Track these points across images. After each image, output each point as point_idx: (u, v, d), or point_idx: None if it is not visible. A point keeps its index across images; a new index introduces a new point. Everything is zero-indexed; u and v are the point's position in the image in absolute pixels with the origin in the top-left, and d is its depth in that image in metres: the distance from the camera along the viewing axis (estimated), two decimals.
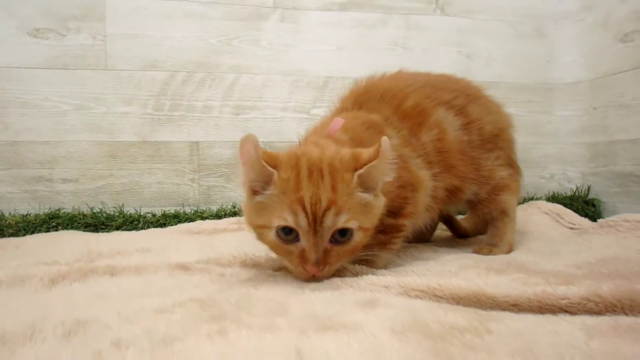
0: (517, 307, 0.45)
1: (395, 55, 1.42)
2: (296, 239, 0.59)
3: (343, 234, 0.60)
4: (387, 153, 0.60)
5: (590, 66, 1.42)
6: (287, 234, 0.60)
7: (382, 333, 0.38)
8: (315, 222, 0.58)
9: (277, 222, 0.59)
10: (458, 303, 0.48)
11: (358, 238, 0.61)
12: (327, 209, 0.58)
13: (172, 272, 0.69)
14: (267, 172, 0.60)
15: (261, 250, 0.85)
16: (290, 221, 0.58)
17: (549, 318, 0.44)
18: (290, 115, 1.36)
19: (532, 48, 1.48)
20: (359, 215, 0.60)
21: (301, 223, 0.58)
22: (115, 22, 1.26)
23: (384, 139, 0.60)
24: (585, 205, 1.36)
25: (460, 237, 1.08)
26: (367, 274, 0.62)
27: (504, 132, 0.94)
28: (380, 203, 0.64)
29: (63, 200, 1.25)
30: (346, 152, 0.64)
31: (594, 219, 1.32)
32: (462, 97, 0.89)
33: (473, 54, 1.46)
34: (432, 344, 0.36)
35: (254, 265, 0.72)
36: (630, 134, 1.29)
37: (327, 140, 0.69)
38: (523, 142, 1.46)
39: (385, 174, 0.63)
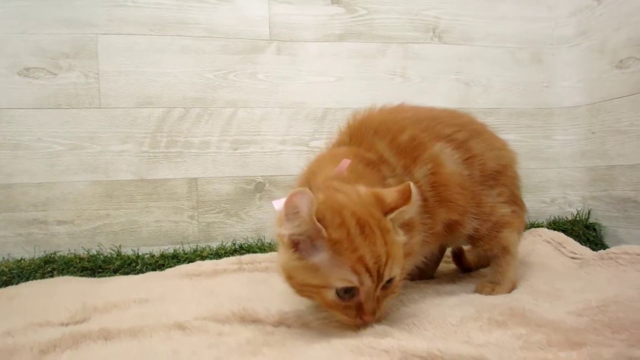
0: None
1: (394, 84, 1.41)
2: (355, 295, 0.61)
3: (390, 280, 0.63)
4: (415, 197, 0.64)
5: (588, 91, 1.42)
6: (348, 292, 0.61)
7: None
8: (379, 278, 0.61)
9: (340, 284, 0.60)
10: None
11: (398, 279, 0.65)
12: (386, 264, 0.61)
13: (169, 333, 0.67)
14: (316, 228, 0.60)
15: (260, 300, 0.84)
16: (355, 281, 0.60)
17: None
18: (289, 148, 1.34)
19: (530, 74, 1.49)
20: (400, 259, 0.64)
21: (365, 282, 0.60)
22: (108, 59, 1.23)
23: (412, 184, 0.64)
24: (586, 230, 1.36)
25: (464, 272, 1.07)
26: (367, 333, 0.61)
27: (507, 168, 0.92)
28: (401, 240, 0.66)
29: (59, 242, 1.22)
30: (366, 193, 0.66)
31: (595, 243, 1.32)
32: (464, 132, 0.88)
33: (472, 81, 1.45)
34: None
35: (253, 321, 0.70)
36: (629, 159, 1.29)
37: (343, 184, 0.69)
38: (524, 167, 1.46)
39: (414, 212, 0.67)
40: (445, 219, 0.81)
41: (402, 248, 0.65)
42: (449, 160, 0.83)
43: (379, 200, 0.65)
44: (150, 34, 1.26)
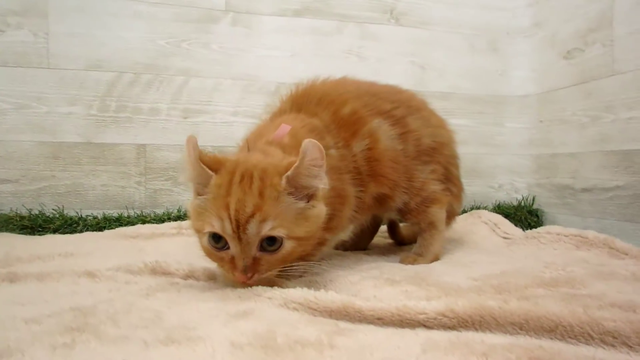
0: (381, 320, 0.46)
1: (349, 63, 1.43)
2: (226, 246, 0.59)
3: (272, 242, 0.59)
4: (308, 154, 0.59)
5: (538, 81, 1.45)
6: (217, 241, 0.60)
7: (220, 347, 0.38)
8: (239, 229, 0.57)
9: (208, 228, 0.60)
10: (330, 316, 0.48)
11: (289, 247, 0.60)
12: (251, 215, 0.57)
13: (77, 279, 0.68)
14: (206, 174, 0.61)
15: (185, 259, 0.85)
16: (217, 227, 0.58)
17: (404, 332, 0.44)
18: (240, 120, 1.35)
19: (485, 61, 1.51)
20: (290, 224, 0.59)
21: (226, 230, 0.58)
22: (58, 19, 1.24)
23: (306, 141, 0.59)
24: (528, 215, 1.39)
25: (398, 244, 1.09)
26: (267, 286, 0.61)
27: (443, 146, 0.94)
28: (319, 212, 0.63)
29: (2, 201, 1.22)
30: (286, 158, 0.64)
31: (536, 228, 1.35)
32: (402, 108, 0.89)
33: (427, 65, 1.47)
34: (265, 358, 0.36)
35: (164, 273, 0.71)
36: (570, 147, 1.32)
37: (274, 147, 0.69)
38: (474, 152, 1.49)
39: (316, 177, 0.61)
40: (375, 192, 0.83)
41: (302, 215, 0.61)
42: (385, 136, 0.85)
43: (289, 165, 0.62)
44: None
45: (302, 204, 0.62)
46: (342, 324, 0.46)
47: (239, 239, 0.58)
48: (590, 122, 1.25)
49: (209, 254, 0.63)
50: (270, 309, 0.51)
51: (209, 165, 0.61)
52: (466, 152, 1.02)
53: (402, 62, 1.46)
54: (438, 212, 0.91)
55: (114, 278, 0.69)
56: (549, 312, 0.44)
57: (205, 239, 0.61)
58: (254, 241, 0.58)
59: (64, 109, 1.25)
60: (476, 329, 0.44)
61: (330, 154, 0.76)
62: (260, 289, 0.58)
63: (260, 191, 0.59)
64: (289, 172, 0.60)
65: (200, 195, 0.63)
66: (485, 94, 1.51)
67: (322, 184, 0.63)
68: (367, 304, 0.48)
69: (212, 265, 0.81)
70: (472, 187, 1.46)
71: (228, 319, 0.47)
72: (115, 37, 1.27)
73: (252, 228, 0.57)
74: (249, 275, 0.59)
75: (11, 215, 1.17)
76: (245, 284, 0.60)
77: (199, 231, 0.62)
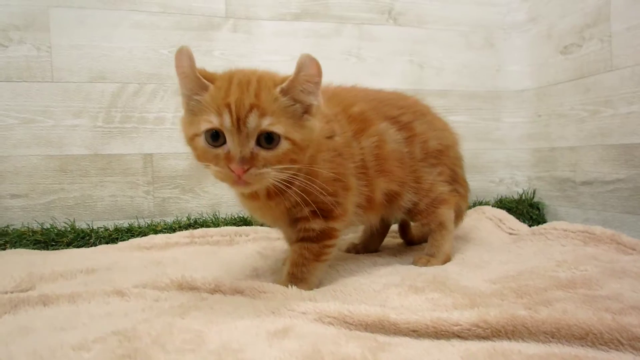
0: (416, 332, 0.49)
1: (349, 64, 1.44)
2: (224, 143, 0.62)
3: (269, 140, 0.62)
4: (304, 68, 0.62)
5: (535, 75, 1.48)
6: (215, 138, 0.62)
7: None
8: (239, 122, 0.60)
9: (205, 126, 0.62)
10: (365, 329, 0.51)
11: (285, 147, 0.63)
12: (250, 110, 0.60)
13: (107, 299, 0.69)
14: (203, 84, 0.63)
15: (204, 270, 0.87)
16: (215, 122, 0.61)
17: (440, 344, 0.47)
18: None
19: (482, 57, 1.53)
20: (287, 125, 0.62)
21: (226, 123, 0.60)
22: (60, 33, 1.23)
23: (303, 55, 0.62)
24: (530, 209, 1.43)
25: (408, 244, 1.13)
26: (292, 297, 0.64)
27: (449, 149, 0.98)
28: (313, 125, 0.66)
29: (12, 216, 1.23)
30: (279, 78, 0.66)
31: (537, 221, 1.39)
32: (408, 114, 0.93)
33: (425, 63, 1.50)
34: None
35: (191, 288, 0.73)
36: (569, 141, 1.36)
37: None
38: (473, 148, 1.53)
39: (311, 93, 0.64)
40: (384, 188, 0.86)
41: (299, 119, 0.64)
42: (391, 139, 0.88)
43: (285, 78, 0.65)
44: (104, 7, 1.26)
45: (297, 107, 0.64)
46: (380, 338, 0.48)
47: (239, 131, 0.60)
48: (589, 116, 1.29)
49: (203, 155, 0.64)
50: (306, 324, 0.53)
51: (206, 76, 0.64)
52: (465, 148, 1.05)
53: (400, 61, 1.48)
54: (447, 213, 0.94)
55: (142, 295, 0.71)
56: (579, 320, 0.47)
57: (202, 138, 0.63)
58: (253, 134, 0.61)
59: (70, 121, 1.26)
60: (509, 338, 0.46)
61: (335, 139, 0.79)
62: (293, 303, 0.60)
63: (257, 93, 0.62)
64: (283, 85, 0.63)
65: (190, 113, 0.66)
66: (482, 90, 1.54)
67: (316, 101, 0.66)
68: (401, 316, 0.50)
69: (238, 277, 0.84)
70: (473, 182, 1.48)
71: (270, 338, 0.49)
72: (118, 48, 1.27)
73: (251, 121, 0.60)
74: (245, 167, 0.60)
75: (24, 230, 1.18)
76: (240, 180, 0.61)
77: (194, 136, 0.64)
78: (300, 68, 0.62)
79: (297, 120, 0.64)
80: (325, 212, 0.76)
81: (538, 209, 1.44)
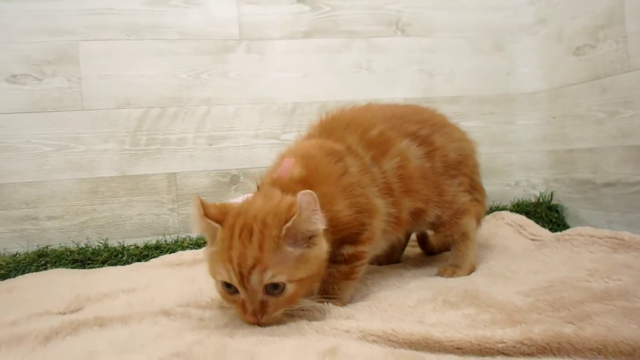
0: (460, 350, 0.51)
1: (360, 77, 1.48)
2: (237, 291, 0.65)
3: (275, 287, 0.64)
4: (304, 206, 0.64)
5: (547, 77, 1.48)
6: (228, 287, 0.66)
7: None
8: (243, 279, 0.63)
9: (219, 277, 0.66)
10: (410, 347, 0.53)
11: (292, 290, 0.65)
12: (253, 267, 0.63)
13: (156, 319, 0.74)
14: (213, 227, 0.67)
15: None
16: (225, 277, 0.65)
17: None
18: (261, 142, 1.43)
19: (491, 61, 1.55)
20: (290, 270, 0.64)
21: (233, 279, 0.64)
22: (88, 64, 1.33)
23: (300, 194, 0.63)
24: (548, 212, 1.42)
25: (428, 255, 1.14)
26: (332, 316, 0.67)
27: (467, 158, 0.99)
28: (319, 251, 0.67)
29: (50, 237, 1.31)
30: (284, 204, 0.67)
31: (557, 224, 1.39)
32: (426, 128, 0.94)
33: (435, 71, 1.52)
34: None
35: (230, 307, 0.75)
36: (587, 143, 1.35)
37: (274, 189, 0.73)
38: (488, 152, 1.54)
39: (313, 222, 0.66)
40: (411, 207, 0.87)
41: (302, 259, 0.65)
42: (413, 156, 0.89)
43: (290, 210, 0.65)
44: (127, 38, 1.35)
45: (299, 250, 0.66)
46: (427, 356, 0.51)
47: (245, 287, 0.64)
48: (607, 117, 1.27)
49: (223, 297, 0.69)
50: (351, 343, 0.56)
51: (214, 218, 0.67)
52: (480, 152, 1.05)
53: (410, 71, 1.51)
54: (470, 223, 0.95)
55: (187, 315, 0.75)
56: (625, 337, 0.48)
57: (219, 285, 0.67)
58: (258, 289, 0.64)
59: (100, 146, 1.34)
60: (554, 355, 0.48)
61: (350, 171, 0.80)
62: (335, 321, 0.63)
63: (260, 244, 0.63)
64: (288, 224, 0.64)
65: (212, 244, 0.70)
66: (494, 94, 1.55)
67: (320, 225, 0.67)
68: (444, 334, 0.53)
69: None
70: (488, 187, 1.47)
71: (321, 357, 0.52)
72: (141, 75, 1.36)
73: (254, 278, 0.63)
74: (259, 316, 0.65)
75: (62, 250, 1.26)
76: (257, 324, 0.66)
77: (213, 277, 0.69)
78: (300, 207, 0.63)
79: (300, 256, 0.65)
80: (352, 239, 0.78)
81: (557, 211, 1.44)
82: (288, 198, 0.69)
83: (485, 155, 1.51)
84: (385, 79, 1.49)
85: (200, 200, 0.68)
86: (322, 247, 0.68)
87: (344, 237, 0.77)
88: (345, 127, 0.88)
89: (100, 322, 0.73)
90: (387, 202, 0.83)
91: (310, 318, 0.68)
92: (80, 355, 0.62)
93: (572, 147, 1.41)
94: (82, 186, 1.33)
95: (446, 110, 1.07)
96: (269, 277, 0.63)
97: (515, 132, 1.55)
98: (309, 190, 0.64)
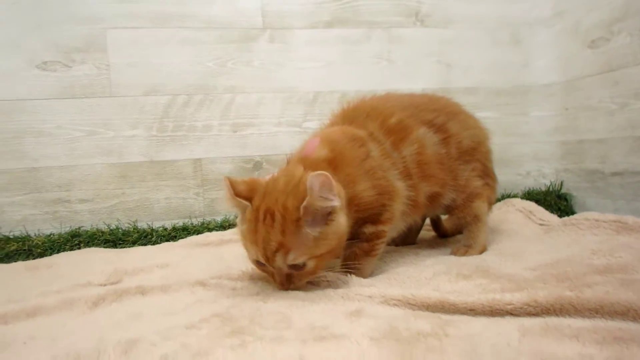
0: (473, 311, 0.57)
1: (379, 68, 1.52)
2: (266, 265, 0.74)
3: (297, 265, 0.71)
4: (315, 186, 0.68)
5: (562, 70, 1.53)
6: (258, 262, 0.74)
7: (363, 340, 0.50)
8: (269, 260, 0.71)
9: (250, 255, 0.75)
10: (427, 309, 0.59)
11: (313, 264, 0.72)
12: (277, 250, 0.70)
13: (192, 289, 0.80)
14: (243, 205, 0.75)
15: None
16: (254, 256, 0.74)
17: (496, 320, 0.55)
18: (284, 129, 1.47)
19: (508, 54, 1.59)
20: (310, 249, 0.70)
21: (260, 258, 0.72)
22: (116, 52, 1.36)
23: (310, 176, 0.68)
24: (558, 200, 1.49)
25: (442, 237, 1.21)
26: (355, 284, 0.73)
27: (480, 145, 1.04)
28: (336, 227, 0.72)
29: (82, 219, 1.36)
30: (302, 185, 0.71)
31: (566, 212, 1.45)
32: (442, 116, 0.99)
33: (453, 62, 1.56)
34: (401, 348, 0.48)
35: (260, 278, 0.82)
36: (597, 134, 1.41)
37: (298, 165, 0.79)
38: (501, 143, 1.59)
39: (328, 199, 0.70)
40: (428, 191, 0.93)
41: (321, 237, 0.70)
42: (430, 142, 0.95)
43: (304, 194, 0.69)
44: (154, 27, 1.38)
45: (318, 228, 0.70)
46: (443, 316, 0.57)
47: (272, 265, 0.72)
48: (618, 109, 1.33)
49: (258, 269, 0.79)
50: (374, 306, 0.62)
51: (244, 196, 0.74)
52: (493, 142, 1.10)
53: (428, 62, 1.55)
54: (482, 206, 1.01)
55: (221, 285, 0.81)
56: (620, 298, 0.53)
57: (251, 260, 0.77)
58: (283, 267, 0.71)
59: (128, 132, 1.38)
60: (557, 315, 0.54)
61: (372, 155, 0.86)
62: (359, 288, 0.70)
63: (282, 229, 0.69)
64: (304, 203, 0.68)
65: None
66: (510, 86, 1.60)
67: (336, 202, 0.71)
68: (459, 298, 0.59)
69: None
70: (501, 176, 1.52)
71: (348, 318, 0.58)
72: (168, 63, 1.39)
73: (279, 259, 0.70)
74: (285, 286, 0.73)
75: (94, 231, 1.31)
76: (286, 290, 0.74)
77: (246, 252, 0.77)
78: (311, 189, 0.68)
79: (319, 235, 0.70)
80: (374, 219, 0.84)
81: (566, 199, 1.50)
82: (307, 173, 0.74)
83: (499, 145, 1.55)
84: (405, 70, 1.53)
85: (230, 180, 0.74)
86: (340, 223, 0.73)
87: (366, 217, 0.83)
88: (367, 115, 0.94)
89: (142, 291, 0.79)
90: (407, 185, 0.89)
91: (336, 287, 0.74)
92: (127, 316, 0.68)
93: (583, 138, 1.46)
94: (111, 171, 1.38)
95: (463, 101, 1.11)
96: (291, 259, 0.70)
97: (528, 124, 1.60)
98: (320, 172, 0.69)
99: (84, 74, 1.34)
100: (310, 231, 0.70)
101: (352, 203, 0.79)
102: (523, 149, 1.61)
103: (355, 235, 0.84)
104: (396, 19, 1.52)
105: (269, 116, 1.46)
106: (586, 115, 1.44)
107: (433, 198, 0.95)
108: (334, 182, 0.70)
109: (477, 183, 1.01)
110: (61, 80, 1.33)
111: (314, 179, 0.68)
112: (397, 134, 0.91)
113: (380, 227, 0.85)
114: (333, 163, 0.80)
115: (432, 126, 0.97)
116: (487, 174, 1.06)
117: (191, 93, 1.41)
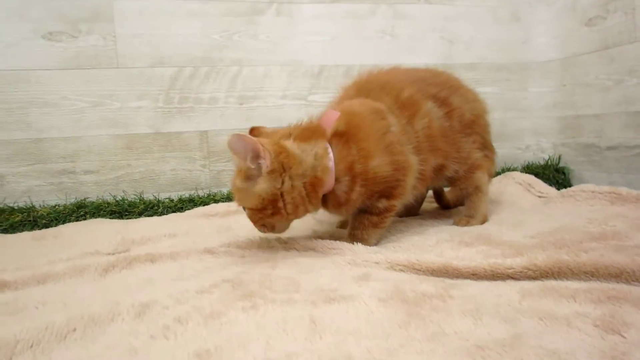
0: (475, 275, 0.61)
1: (384, 42, 1.53)
2: None
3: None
4: (232, 147, 0.76)
5: (560, 47, 1.55)
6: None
7: (371, 301, 0.54)
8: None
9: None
10: (432, 274, 0.64)
11: (248, 212, 0.82)
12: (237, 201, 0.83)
13: (201, 256, 0.82)
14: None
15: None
16: None
17: (498, 284, 0.59)
18: (289, 102, 1.49)
19: (509, 31, 1.60)
20: (246, 201, 0.81)
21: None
22: (123, 23, 1.35)
23: (230, 136, 0.75)
24: (556, 173, 1.54)
25: (444, 209, 1.25)
26: (362, 252, 0.77)
27: (480, 118, 1.07)
28: (259, 188, 0.78)
29: (87, 190, 1.39)
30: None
31: (563, 185, 1.50)
32: (445, 90, 1.02)
33: (455, 38, 1.57)
34: (408, 308, 0.52)
35: (269, 247, 0.86)
36: (594, 109, 1.44)
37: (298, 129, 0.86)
38: (501, 117, 1.62)
39: (255, 158, 0.78)
40: (434, 163, 0.96)
41: (251, 193, 0.78)
42: (436, 116, 0.97)
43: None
44: None
45: (249, 184, 0.79)
46: (447, 280, 0.61)
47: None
48: (614, 85, 1.36)
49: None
50: (381, 271, 0.66)
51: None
52: (493, 117, 1.13)
53: (432, 38, 1.56)
54: (482, 177, 1.05)
55: (230, 253, 0.83)
56: (614, 261, 0.56)
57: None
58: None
59: (134, 103, 1.39)
60: (555, 278, 0.58)
61: (392, 131, 0.88)
62: (365, 255, 0.73)
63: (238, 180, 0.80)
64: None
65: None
66: (510, 62, 1.62)
67: (254, 167, 0.78)
68: (462, 263, 0.63)
69: (307, 235, 0.97)
70: (501, 150, 1.58)
71: (356, 281, 0.62)
72: (174, 34, 1.39)
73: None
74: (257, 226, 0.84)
75: (100, 202, 1.34)
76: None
77: None
78: (231, 149, 0.77)
79: (248, 187, 0.79)
80: (387, 193, 0.87)
81: (564, 173, 1.55)
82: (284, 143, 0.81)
83: (499, 120, 1.61)
84: (408, 45, 1.54)
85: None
86: (261, 186, 0.78)
87: (379, 190, 0.86)
88: (381, 88, 0.95)
89: (151, 258, 0.81)
90: (419, 159, 0.92)
91: (343, 254, 0.77)
92: (138, 282, 0.70)
93: (580, 114, 1.50)
94: (117, 142, 1.39)
95: (464, 76, 1.13)
96: (240, 203, 0.83)
97: (527, 99, 1.63)
98: (240, 133, 0.75)
99: (90, 45, 1.34)
100: (248, 186, 0.79)
101: (364, 177, 0.81)
102: (522, 124, 1.64)
103: (369, 209, 0.87)
104: None
105: (275, 89, 1.47)
106: (583, 91, 1.47)
107: (438, 170, 0.99)
108: (261, 148, 0.75)
109: (478, 155, 1.04)
110: (67, 50, 1.33)
111: (231, 139, 0.75)
112: (409, 108, 0.93)
113: (392, 202, 0.88)
114: (345, 137, 0.83)
115: (437, 100, 0.99)
116: (486, 146, 1.09)
117: (198, 65, 1.42)
